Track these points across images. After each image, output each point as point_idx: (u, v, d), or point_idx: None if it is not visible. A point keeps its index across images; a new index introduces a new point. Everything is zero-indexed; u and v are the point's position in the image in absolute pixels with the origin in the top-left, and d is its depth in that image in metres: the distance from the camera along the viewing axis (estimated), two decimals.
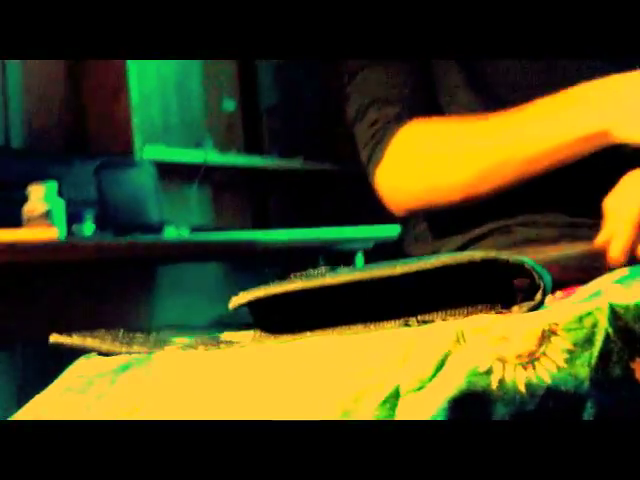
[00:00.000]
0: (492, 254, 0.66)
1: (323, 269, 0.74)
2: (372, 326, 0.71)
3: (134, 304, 2.78)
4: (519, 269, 0.67)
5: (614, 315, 0.60)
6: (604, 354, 0.59)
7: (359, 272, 0.69)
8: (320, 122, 3.64)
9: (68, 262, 2.29)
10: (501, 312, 0.67)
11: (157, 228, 2.61)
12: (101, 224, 2.47)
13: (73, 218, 2.39)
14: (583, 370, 0.58)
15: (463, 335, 0.60)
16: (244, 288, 0.72)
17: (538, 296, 0.66)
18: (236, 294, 0.72)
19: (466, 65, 1.05)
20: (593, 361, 0.58)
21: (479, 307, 0.68)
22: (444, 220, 1.08)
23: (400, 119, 1.04)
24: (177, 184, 3.05)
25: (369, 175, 1.08)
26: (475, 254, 0.66)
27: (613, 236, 0.89)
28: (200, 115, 3.25)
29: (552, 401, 0.56)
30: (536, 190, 0.99)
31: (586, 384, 0.57)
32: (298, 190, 3.48)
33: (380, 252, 2.67)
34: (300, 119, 3.58)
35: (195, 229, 2.90)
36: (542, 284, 0.66)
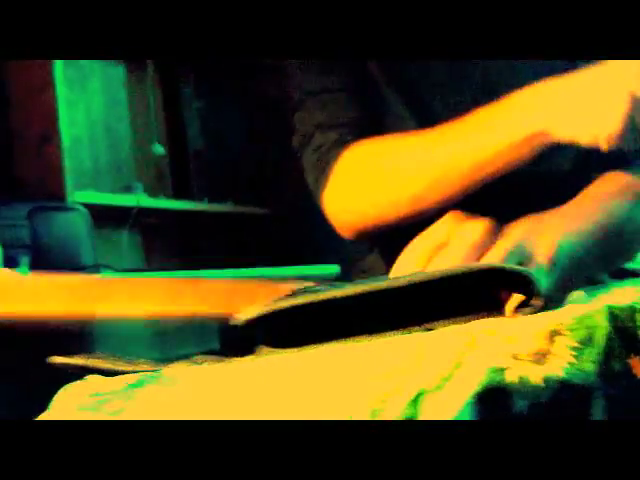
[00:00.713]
0: (493, 264, 0.70)
1: (325, 285, 0.77)
2: (377, 337, 0.74)
3: (62, 348, 2.74)
4: (516, 278, 0.71)
5: (611, 316, 0.65)
6: (606, 351, 0.63)
7: (366, 284, 0.73)
8: (248, 166, 3.67)
9: None
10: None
11: (92, 271, 2.59)
12: (35, 268, 2.45)
13: (7, 262, 2.37)
14: (590, 365, 0.62)
15: (475, 337, 0.64)
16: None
17: (537, 302, 0.71)
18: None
19: (407, 95, 1.07)
20: (597, 357, 0.63)
21: (479, 314, 0.72)
22: (399, 248, 1.09)
23: (345, 141, 1.04)
24: (108, 228, 3.04)
25: (317, 200, 1.07)
26: (478, 264, 0.71)
27: None
28: (129, 160, 3.26)
29: (566, 393, 0.61)
30: (491, 216, 1.02)
31: (593, 378, 0.62)
32: (228, 233, 3.50)
33: None
34: (229, 163, 3.61)
35: (125, 271, 2.88)
36: (539, 291, 0.71)
